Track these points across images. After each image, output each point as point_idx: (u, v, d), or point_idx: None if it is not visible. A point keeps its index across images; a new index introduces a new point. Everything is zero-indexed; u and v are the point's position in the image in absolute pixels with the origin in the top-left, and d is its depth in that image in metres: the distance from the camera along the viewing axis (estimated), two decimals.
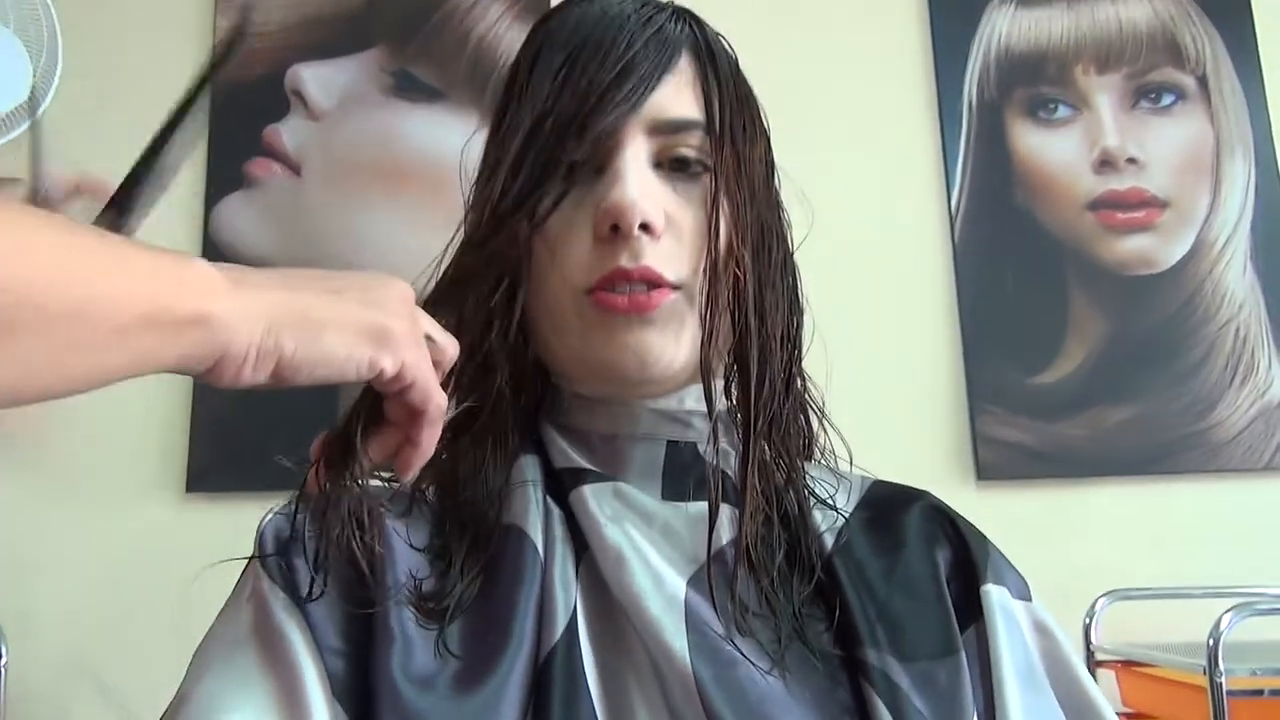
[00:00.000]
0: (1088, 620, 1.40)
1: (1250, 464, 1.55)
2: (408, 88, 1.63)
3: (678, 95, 0.52)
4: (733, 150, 0.52)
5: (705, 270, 0.51)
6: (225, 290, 0.37)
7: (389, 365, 0.42)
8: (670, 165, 0.53)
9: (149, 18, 1.72)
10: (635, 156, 0.51)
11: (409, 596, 0.48)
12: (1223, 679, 1.11)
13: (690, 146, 0.52)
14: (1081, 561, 1.49)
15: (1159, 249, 1.62)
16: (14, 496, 1.55)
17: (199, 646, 0.49)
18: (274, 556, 0.49)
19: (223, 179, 1.61)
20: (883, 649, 0.49)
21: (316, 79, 1.64)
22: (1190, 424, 1.56)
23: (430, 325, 0.46)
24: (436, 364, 0.46)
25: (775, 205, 0.58)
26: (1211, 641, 1.12)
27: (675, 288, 0.51)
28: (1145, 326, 1.60)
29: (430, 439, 0.46)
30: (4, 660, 1.40)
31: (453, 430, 0.55)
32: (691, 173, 0.53)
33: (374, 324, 0.41)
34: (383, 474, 0.55)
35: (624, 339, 0.50)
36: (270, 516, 0.51)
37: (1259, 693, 1.16)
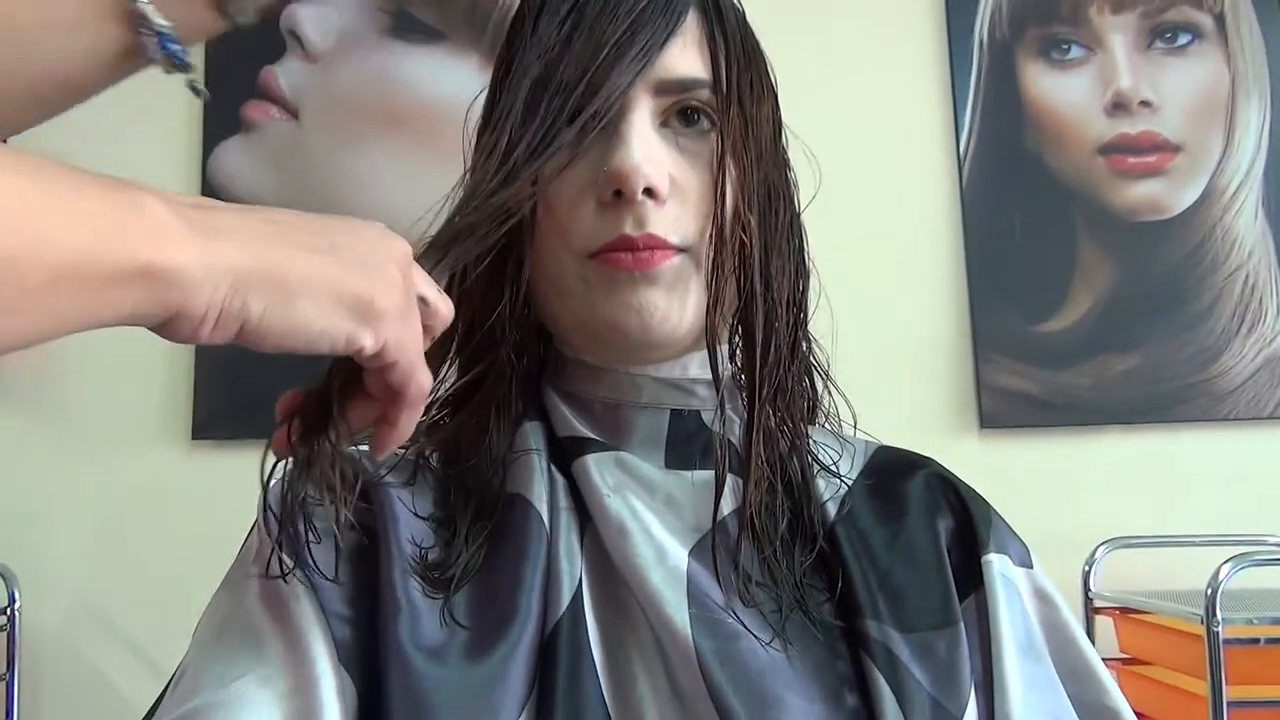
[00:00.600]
0: (1087, 568, 1.41)
1: (1254, 413, 1.55)
2: (406, 28, 1.60)
3: (684, 54, 0.51)
4: (739, 110, 0.51)
5: (711, 235, 0.50)
6: (182, 239, 0.32)
7: (369, 343, 0.38)
8: (678, 120, 0.51)
9: None
10: (640, 118, 0.50)
11: (414, 566, 0.48)
12: (1219, 628, 1.12)
13: (698, 100, 0.51)
14: (1082, 510, 1.49)
15: (1169, 194, 1.59)
16: (22, 445, 1.55)
17: (205, 611, 0.49)
18: (279, 522, 0.48)
19: (219, 123, 1.59)
20: (883, 620, 0.49)
21: (313, 19, 1.60)
22: (1195, 373, 1.56)
23: (426, 285, 0.43)
24: (427, 328, 0.43)
25: (782, 165, 0.56)
26: (1209, 591, 1.13)
27: (680, 250, 0.50)
28: (1153, 274, 1.58)
29: (409, 421, 0.43)
30: (17, 604, 1.42)
31: (456, 398, 0.55)
32: (698, 129, 0.51)
33: (358, 294, 0.37)
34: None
35: (627, 298, 0.49)
36: (275, 482, 0.50)
37: (1255, 641, 1.18)
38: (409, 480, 0.52)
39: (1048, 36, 1.63)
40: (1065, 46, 1.62)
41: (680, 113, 0.51)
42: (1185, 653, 1.21)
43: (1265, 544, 1.42)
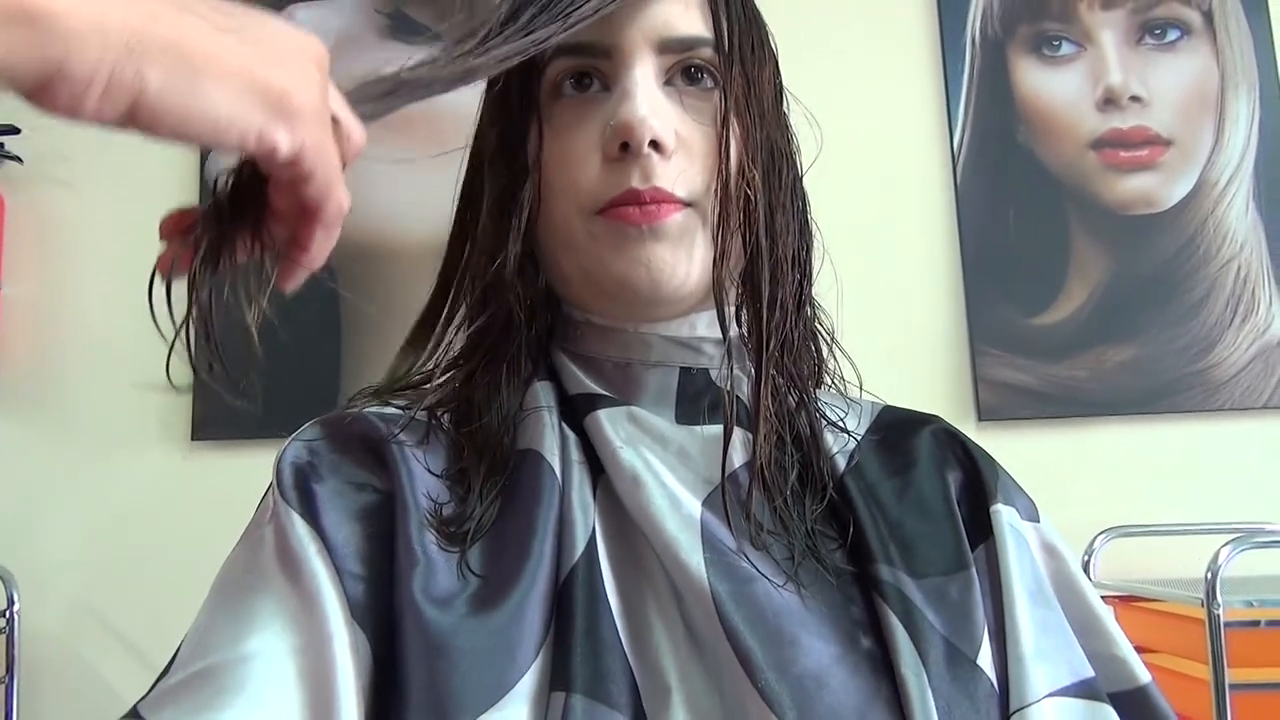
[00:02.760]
0: (1086, 557, 1.42)
1: (1249, 403, 1.56)
2: (403, 29, 1.61)
3: (687, 13, 0.52)
4: (741, 70, 0.52)
5: (716, 190, 0.51)
6: None
7: (284, 143, 0.34)
8: (681, 78, 0.52)
9: None
10: (644, 75, 0.50)
11: (430, 520, 0.48)
12: (1220, 611, 1.13)
13: (701, 59, 0.52)
14: (1081, 500, 1.50)
15: (1161, 188, 1.61)
16: (21, 447, 1.55)
17: (220, 571, 0.49)
18: (292, 483, 0.49)
19: None
20: (895, 565, 0.50)
21: (310, 21, 1.61)
22: (1190, 363, 1.57)
23: (339, 105, 0.39)
24: (340, 154, 0.38)
25: (784, 128, 0.57)
26: (1209, 574, 1.13)
27: (686, 204, 0.51)
28: (1146, 266, 1.59)
29: (323, 246, 0.39)
30: (16, 606, 1.42)
31: (467, 359, 0.55)
32: (702, 87, 0.52)
33: (273, 85, 0.33)
34: (395, 402, 0.55)
35: (635, 253, 0.50)
36: (290, 444, 0.51)
37: (1255, 624, 1.18)
38: (422, 440, 0.53)
39: (1039, 33, 1.65)
40: (1056, 43, 1.64)
41: (684, 72, 0.52)
42: (1187, 638, 1.21)
43: (1264, 530, 1.42)
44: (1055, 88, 1.63)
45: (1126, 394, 1.56)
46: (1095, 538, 1.42)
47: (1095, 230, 1.60)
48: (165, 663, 0.46)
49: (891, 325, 1.57)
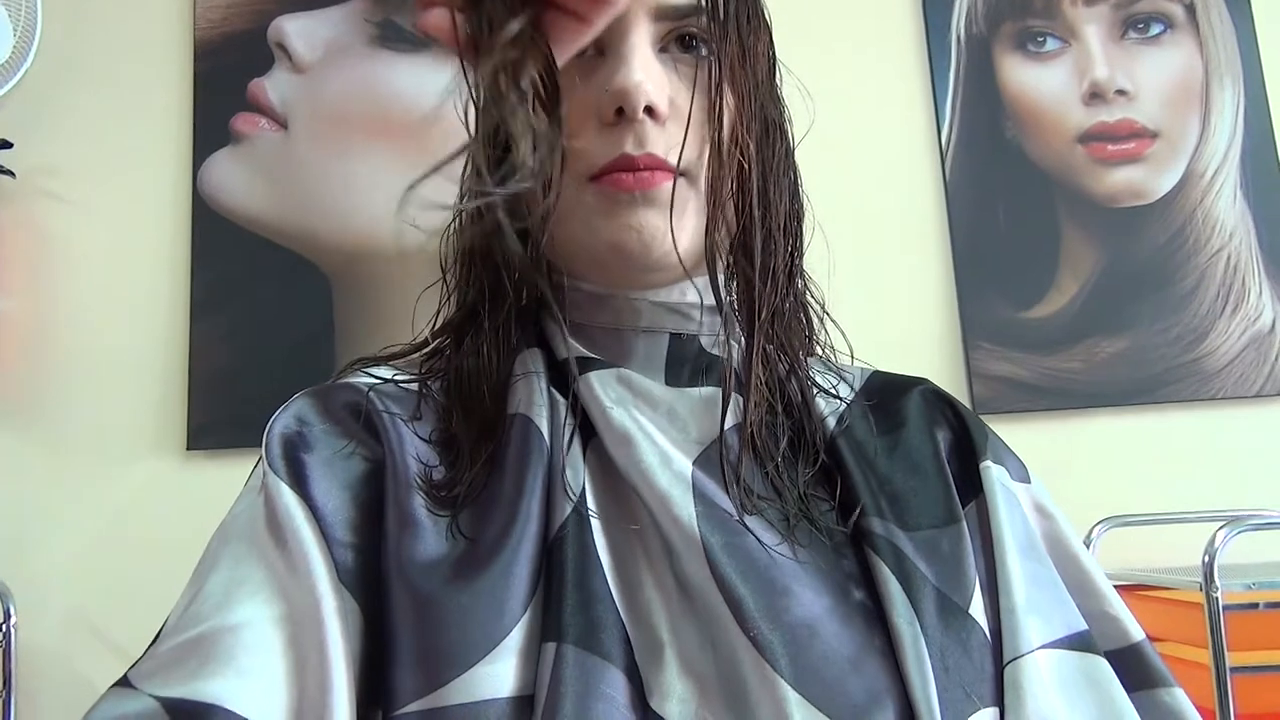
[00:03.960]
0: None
1: (1242, 391, 1.56)
2: (392, 37, 1.62)
3: None
4: (737, 38, 0.52)
5: (709, 157, 0.51)
6: None
7: None
8: (676, 46, 0.52)
9: None
10: (640, 41, 0.50)
11: (420, 484, 0.48)
12: (1218, 594, 1.13)
13: (695, 27, 0.52)
14: (1078, 492, 1.50)
15: (1149, 180, 1.62)
16: (16, 460, 1.55)
17: (210, 541, 0.49)
18: (281, 453, 0.49)
19: (209, 135, 1.60)
20: (887, 518, 0.50)
21: (299, 31, 1.62)
22: (1182, 354, 1.57)
23: None
24: None
25: (777, 99, 0.58)
26: (1207, 558, 1.13)
27: (680, 172, 0.51)
28: (1137, 258, 1.60)
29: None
30: (13, 620, 1.41)
31: (457, 327, 0.55)
32: (696, 55, 0.52)
33: None
34: (383, 371, 0.55)
35: (628, 219, 0.50)
36: (279, 414, 0.51)
37: (1254, 606, 1.18)
38: (415, 414, 0.53)
39: (1023, 30, 1.66)
40: (1041, 39, 1.66)
41: (679, 39, 0.53)
42: (1187, 624, 1.21)
43: (1260, 516, 1.42)
44: (1041, 83, 1.64)
45: (1120, 385, 1.56)
46: (1093, 528, 1.42)
47: (1085, 223, 1.61)
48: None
49: (884, 322, 1.58)
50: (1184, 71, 1.65)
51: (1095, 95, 1.63)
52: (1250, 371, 1.57)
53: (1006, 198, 1.62)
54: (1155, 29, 1.65)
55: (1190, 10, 1.66)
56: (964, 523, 0.51)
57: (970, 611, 0.48)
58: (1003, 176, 1.63)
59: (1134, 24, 1.65)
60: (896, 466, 0.53)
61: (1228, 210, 1.61)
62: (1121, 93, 1.63)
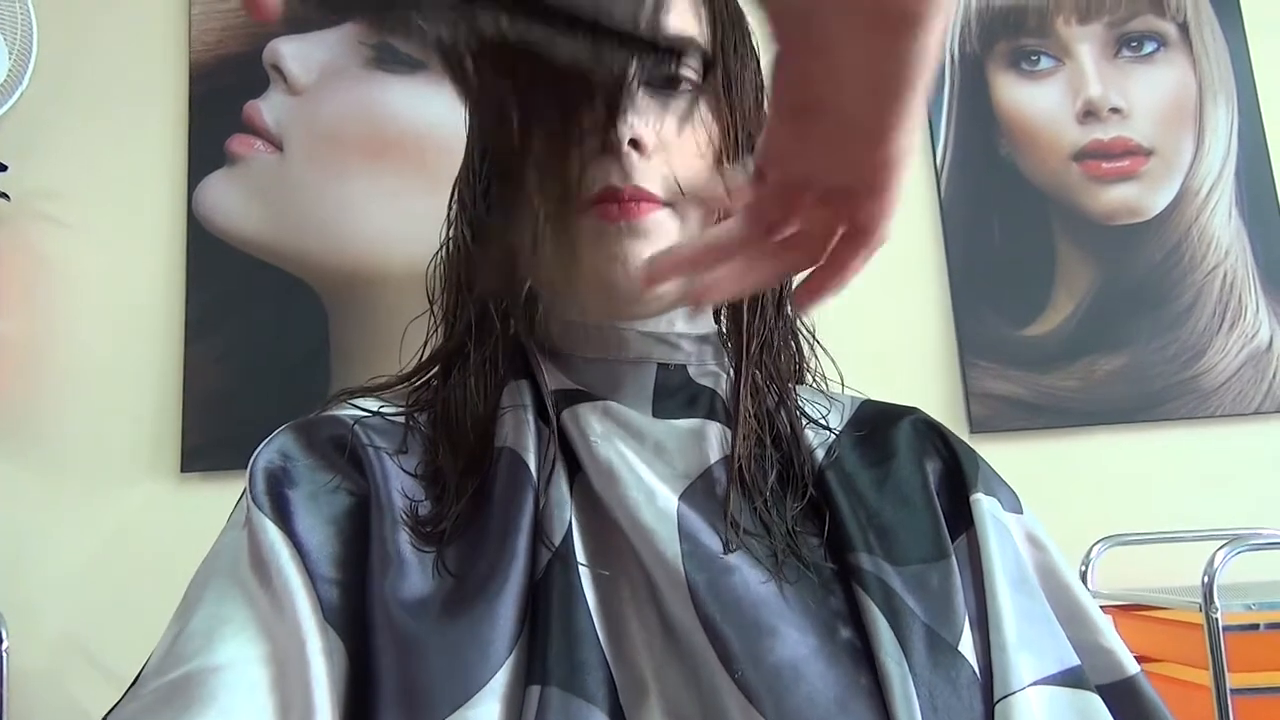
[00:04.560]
0: (1083, 567, 1.41)
1: (1240, 409, 1.56)
2: (388, 59, 1.62)
3: (677, 14, 0.52)
4: (724, 70, 0.52)
5: (698, 186, 0.51)
6: None
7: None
8: (659, 86, 0.52)
9: None
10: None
11: (405, 519, 0.47)
12: (1218, 614, 1.12)
13: (683, 65, 0.52)
14: (1076, 511, 1.49)
15: (1144, 197, 1.62)
16: (10, 482, 1.54)
17: (193, 578, 0.49)
18: (265, 489, 0.48)
19: (204, 157, 1.60)
20: (875, 553, 0.49)
21: (295, 54, 1.62)
22: (1180, 371, 1.57)
23: None
24: None
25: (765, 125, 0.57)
26: (1206, 578, 1.12)
27: (665, 204, 0.51)
28: (1133, 275, 1.60)
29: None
30: (5, 644, 1.40)
31: (444, 359, 0.55)
32: (681, 91, 0.52)
33: None
34: (370, 404, 0.55)
35: (613, 249, 0.50)
36: (262, 449, 0.50)
37: (1255, 627, 1.17)
38: (401, 448, 0.52)
39: (1017, 49, 1.66)
40: (1035, 58, 1.66)
41: (666, 78, 0.52)
42: (1187, 644, 1.20)
43: (1260, 535, 1.42)
44: (1035, 101, 1.65)
45: (1117, 403, 1.56)
46: (1092, 547, 1.41)
47: (1080, 241, 1.61)
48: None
49: (881, 341, 1.57)
50: (1178, 89, 1.65)
51: (1089, 113, 1.64)
52: (1248, 389, 1.57)
53: (1002, 216, 1.62)
54: (1149, 47, 1.66)
55: (1183, 29, 1.66)
56: (953, 558, 0.50)
57: (959, 649, 0.47)
58: (998, 194, 1.63)
59: (1127, 42, 1.66)
60: (886, 499, 0.52)
61: (1223, 227, 1.61)
62: (1116, 111, 1.64)
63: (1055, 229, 1.61)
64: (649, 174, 0.50)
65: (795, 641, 0.45)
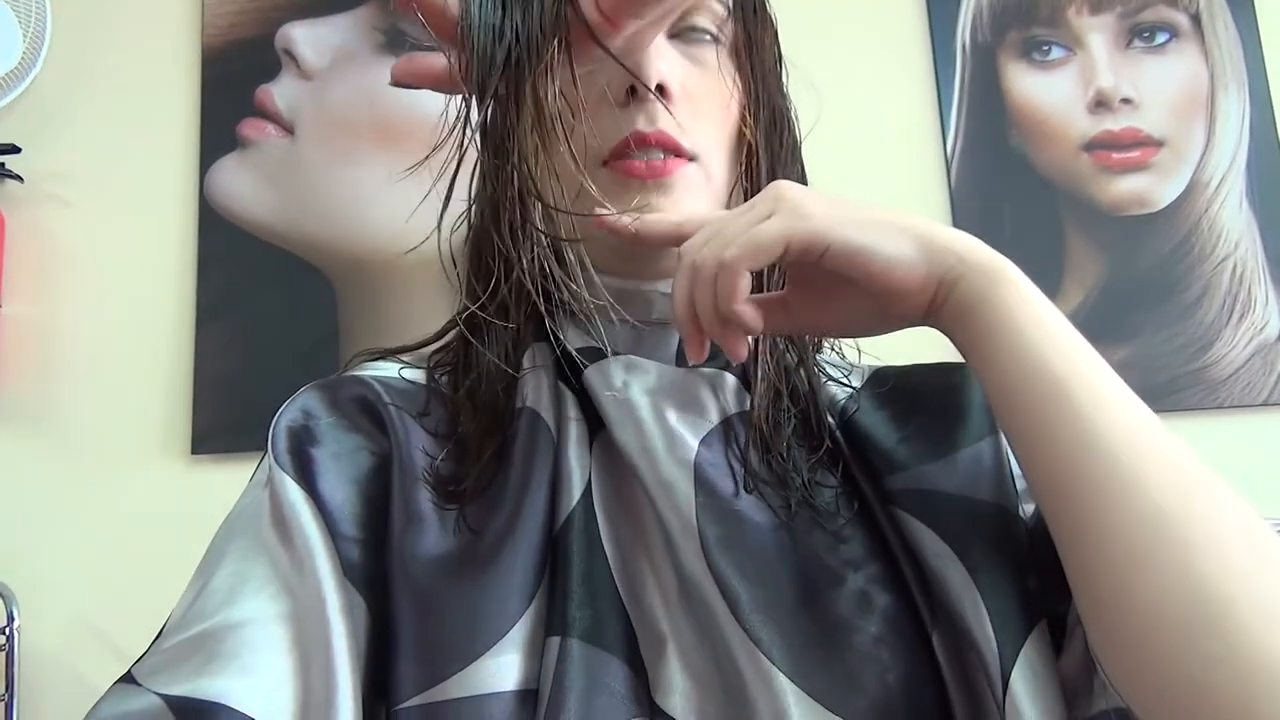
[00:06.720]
0: None
1: (1249, 400, 1.56)
2: (400, 45, 1.63)
3: None
4: (744, 29, 0.53)
5: (720, 143, 0.51)
6: None
7: None
8: (683, 35, 0.53)
9: None
10: None
11: (427, 477, 0.48)
12: None
13: (704, 16, 0.53)
14: None
15: (1154, 188, 1.62)
16: (22, 464, 1.55)
17: (215, 535, 0.49)
18: (287, 447, 0.49)
19: (215, 141, 1.61)
20: (909, 469, 0.50)
21: (307, 38, 1.63)
22: (1189, 362, 1.57)
23: None
24: None
25: (784, 93, 0.58)
26: None
27: (691, 158, 0.51)
28: (1142, 266, 1.60)
29: None
30: (16, 624, 1.41)
31: (466, 321, 0.55)
32: (705, 42, 0.53)
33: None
34: (391, 366, 0.55)
35: (638, 206, 0.50)
36: (285, 408, 0.51)
37: None
38: (423, 410, 0.52)
39: (1028, 38, 1.66)
40: (1046, 48, 1.66)
41: (688, 29, 0.53)
42: None
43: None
44: (1046, 92, 1.65)
45: None
46: None
47: (1090, 231, 1.61)
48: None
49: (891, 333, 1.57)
50: (1189, 80, 1.65)
51: (1100, 104, 1.64)
52: (1257, 380, 1.57)
53: (1012, 206, 1.62)
54: (1160, 38, 1.66)
55: (1195, 19, 1.66)
56: (1001, 434, 0.51)
57: (1020, 515, 0.48)
58: (1008, 184, 1.63)
59: (1139, 33, 1.66)
60: (917, 412, 0.53)
61: (1233, 218, 1.61)
62: (1127, 101, 1.63)
63: (1065, 219, 1.61)
64: (675, 123, 0.50)
65: (806, 591, 0.45)
